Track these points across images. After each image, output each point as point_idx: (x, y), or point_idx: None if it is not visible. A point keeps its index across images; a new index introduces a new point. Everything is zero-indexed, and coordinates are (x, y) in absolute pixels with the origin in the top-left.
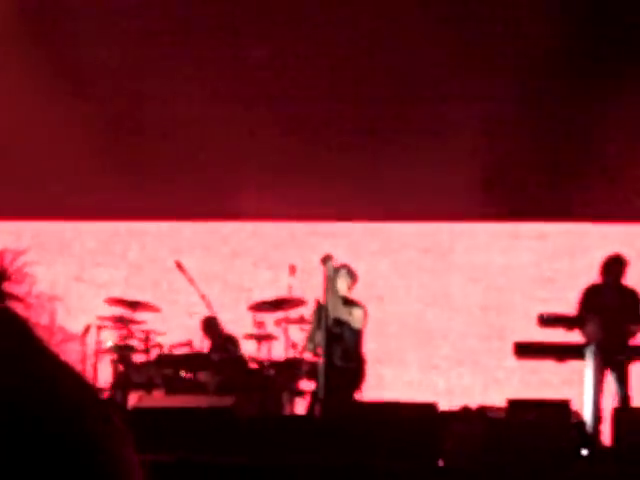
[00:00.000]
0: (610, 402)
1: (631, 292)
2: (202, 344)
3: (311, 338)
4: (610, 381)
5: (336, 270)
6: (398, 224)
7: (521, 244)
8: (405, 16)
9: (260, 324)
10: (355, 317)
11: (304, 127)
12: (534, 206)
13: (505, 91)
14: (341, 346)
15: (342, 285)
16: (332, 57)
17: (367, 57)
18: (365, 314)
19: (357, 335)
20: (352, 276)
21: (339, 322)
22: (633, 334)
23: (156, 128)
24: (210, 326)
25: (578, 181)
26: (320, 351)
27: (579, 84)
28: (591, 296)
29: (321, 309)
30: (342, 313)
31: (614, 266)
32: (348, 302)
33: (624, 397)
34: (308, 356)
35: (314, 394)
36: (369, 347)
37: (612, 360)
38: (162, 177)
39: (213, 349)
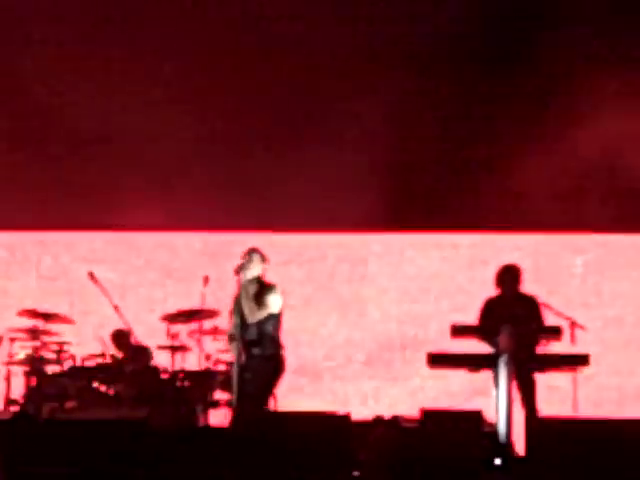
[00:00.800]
0: (520, 412)
1: (530, 299)
2: (115, 356)
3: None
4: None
5: (248, 255)
6: (312, 235)
7: (435, 254)
8: (294, 21)
9: (174, 335)
10: (272, 302)
11: (221, 139)
12: (446, 217)
13: (403, 97)
14: (258, 340)
15: (257, 269)
16: (221, 69)
17: (258, 65)
18: (281, 298)
19: (276, 320)
20: (263, 259)
21: (255, 326)
22: (537, 343)
23: (61, 142)
24: (121, 337)
25: (486, 191)
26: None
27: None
28: (492, 307)
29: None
30: (257, 315)
31: (506, 276)
32: (265, 286)
33: (531, 407)
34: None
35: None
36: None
37: (520, 371)
38: (72, 188)
39: (125, 360)
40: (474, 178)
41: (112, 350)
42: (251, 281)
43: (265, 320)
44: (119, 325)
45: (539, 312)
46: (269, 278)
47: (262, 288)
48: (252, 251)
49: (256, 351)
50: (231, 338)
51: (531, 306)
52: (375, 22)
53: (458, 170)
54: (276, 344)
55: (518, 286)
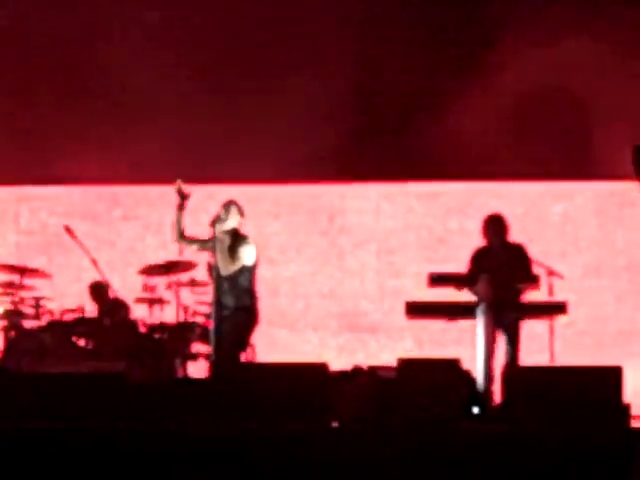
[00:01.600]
0: (500, 361)
1: (517, 248)
2: (93, 309)
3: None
4: (500, 340)
5: (225, 207)
6: (288, 186)
7: (412, 203)
8: None
9: (151, 288)
10: (246, 254)
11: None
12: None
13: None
14: (232, 291)
15: (233, 221)
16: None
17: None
18: (255, 250)
19: (250, 272)
20: (241, 212)
21: (230, 278)
22: (523, 291)
23: (43, 93)
24: (99, 290)
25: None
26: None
27: None
28: (480, 257)
29: (212, 270)
30: (231, 268)
31: (493, 226)
32: (240, 237)
33: (513, 356)
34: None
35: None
36: (262, 310)
37: (503, 319)
38: (50, 143)
39: (102, 314)
40: (453, 125)
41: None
42: (226, 233)
43: (239, 272)
44: (97, 279)
45: (527, 261)
46: (245, 231)
47: (236, 240)
48: (229, 203)
49: (231, 303)
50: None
51: (519, 254)
52: None
53: (434, 116)
54: (251, 295)
55: (505, 236)
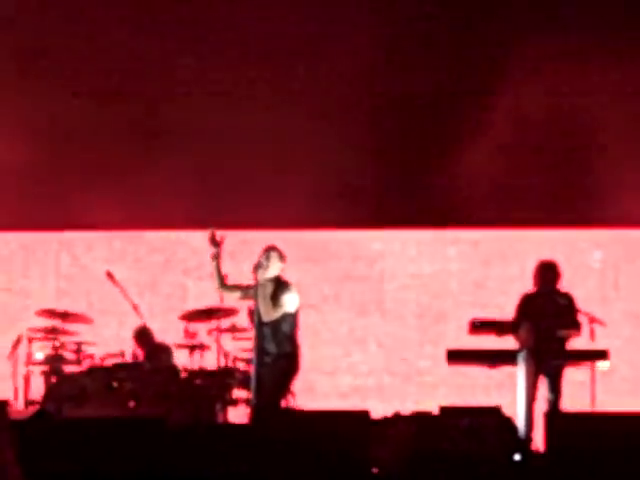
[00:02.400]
0: (541, 408)
1: (566, 297)
2: (135, 354)
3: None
4: (542, 387)
5: (266, 253)
6: (326, 232)
7: (453, 250)
8: None
9: (192, 334)
10: (289, 301)
11: None
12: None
13: None
14: (274, 338)
15: (275, 267)
16: None
17: None
18: (298, 297)
19: (292, 319)
20: (282, 258)
21: (272, 325)
22: (567, 339)
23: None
24: (142, 335)
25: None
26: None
27: None
28: (527, 303)
29: (253, 316)
30: (273, 315)
31: (546, 272)
32: (282, 284)
33: (554, 403)
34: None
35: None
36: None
37: (545, 366)
38: (91, 188)
39: (146, 359)
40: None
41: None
42: (269, 280)
43: (281, 319)
44: (140, 324)
45: (574, 310)
46: (286, 277)
47: (278, 287)
48: (270, 249)
49: (272, 349)
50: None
51: (568, 303)
52: None
53: (471, 167)
54: (292, 343)
55: (556, 283)
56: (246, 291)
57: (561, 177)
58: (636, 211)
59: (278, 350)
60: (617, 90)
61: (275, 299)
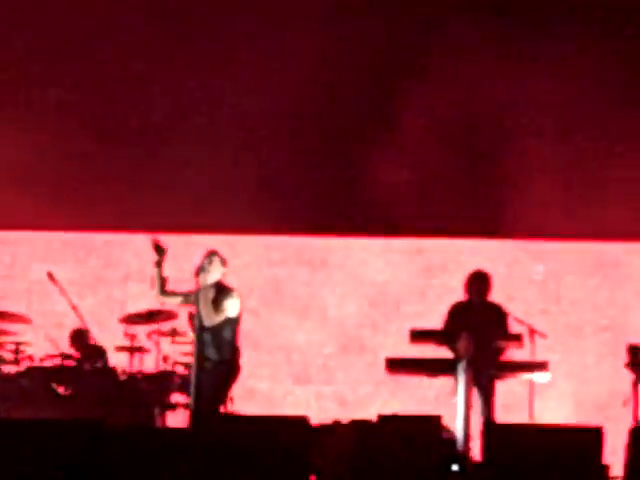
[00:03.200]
0: (478, 418)
1: (496, 308)
2: (67, 355)
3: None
4: (475, 398)
5: (208, 257)
6: (274, 237)
7: (395, 259)
8: None
9: (132, 336)
10: (230, 306)
11: None
12: (408, 222)
13: None
14: (215, 344)
15: (216, 272)
16: None
17: None
18: (239, 302)
19: (233, 325)
20: (224, 262)
21: (213, 330)
22: (503, 350)
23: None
24: (79, 337)
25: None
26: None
27: None
28: (458, 313)
29: (193, 320)
30: (215, 320)
31: (476, 283)
32: (224, 289)
33: (488, 414)
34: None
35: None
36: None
37: (479, 377)
38: (32, 187)
39: (82, 360)
40: (440, 183)
41: (68, 349)
42: (210, 285)
43: (223, 324)
44: (78, 325)
45: (505, 321)
46: (228, 281)
47: (220, 292)
48: (212, 254)
49: (213, 355)
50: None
51: (497, 314)
52: None
53: (421, 176)
54: (233, 349)
55: (487, 293)
56: (187, 297)
57: (503, 187)
58: (581, 222)
59: (219, 356)
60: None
61: (217, 304)
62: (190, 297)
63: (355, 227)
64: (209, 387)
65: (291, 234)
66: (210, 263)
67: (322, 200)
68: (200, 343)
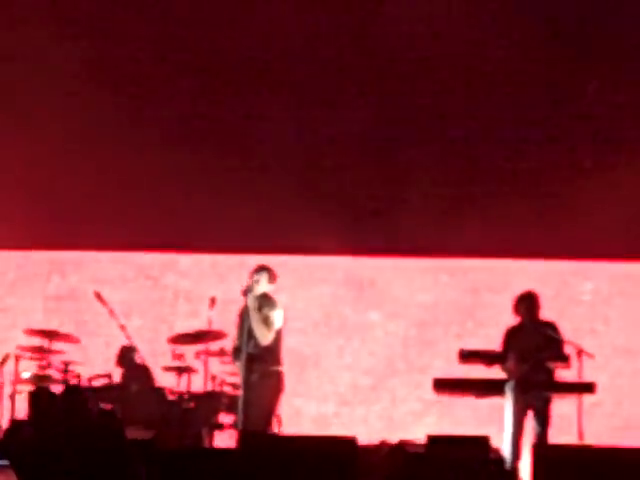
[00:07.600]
0: (529, 439)
1: (549, 326)
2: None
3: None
4: (529, 418)
5: (256, 273)
6: (316, 257)
7: (443, 279)
8: None
9: (180, 356)
10: (276, 319)
11: None
12: (455, 242)
13: None
14: (260, 355)
15: (264, 287)
16: None
17: None
18: (283, 312)
19: (278, 335)
20: (272, 278)
21: (260, 346)
22: (554, 370)
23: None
24: (127, 354)
25: (502, 217)
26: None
27: None
28: (512, 335)
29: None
30: (269, 337)
31: (524, 303)
32: (269, 300)
33: (542, 435)
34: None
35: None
36: (289, 381)
37: (532, 397)
38: (83, 208)
39: (128, 379)
40: (481, 204)
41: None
42: (256, 298)
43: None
44: (125, 344)
45: (558, 339)
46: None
47: (265, 304)
48: (261, 268)
49: (258, 367)
50: (236, 352)
51: (551, 333)
52: None
53: (465, 196)
54: (277, 359)
55: (536, 313)
56: (241, 327)
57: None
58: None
59: (265, 368)
60: None
61: (266, 320)
62: (245, 322)
63: (402, 248)
64: (257, 404)
65: (339, 254)
66: (258, 278)
67: (369, 220)
68: (246, 356)
